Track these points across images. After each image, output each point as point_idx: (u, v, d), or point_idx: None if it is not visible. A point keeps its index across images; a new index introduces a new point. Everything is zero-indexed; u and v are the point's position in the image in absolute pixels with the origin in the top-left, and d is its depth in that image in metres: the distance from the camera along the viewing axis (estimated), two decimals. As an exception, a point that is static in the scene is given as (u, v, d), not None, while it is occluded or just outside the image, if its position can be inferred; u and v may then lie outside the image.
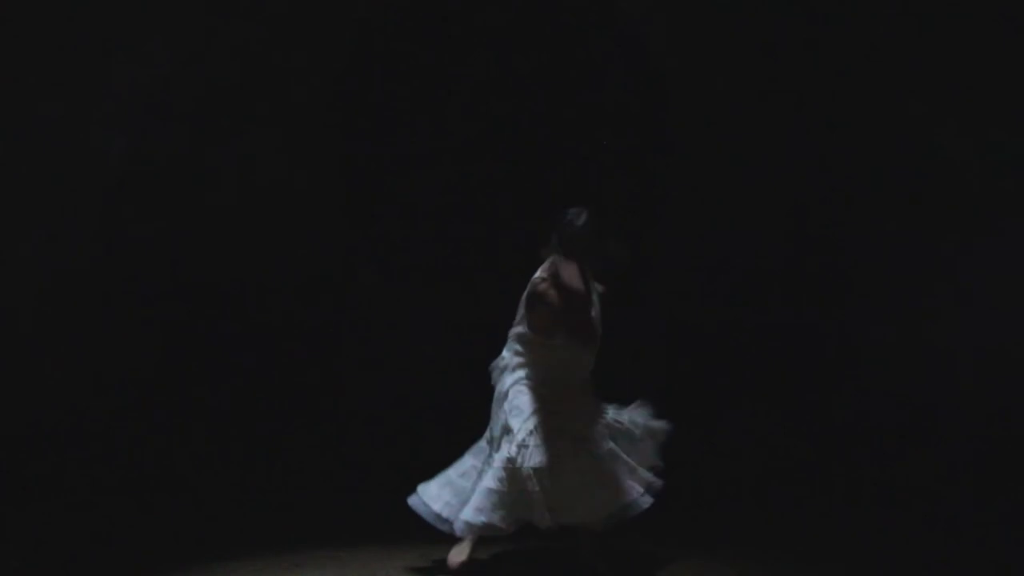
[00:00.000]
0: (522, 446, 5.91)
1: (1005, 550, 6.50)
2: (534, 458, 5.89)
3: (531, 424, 5.99)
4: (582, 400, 6.22)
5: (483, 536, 6.12)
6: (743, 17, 9.06)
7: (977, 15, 7.92)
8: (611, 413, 6.29)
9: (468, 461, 6.22)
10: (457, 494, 6.12)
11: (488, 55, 9.56)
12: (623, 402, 6.37)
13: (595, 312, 6.23)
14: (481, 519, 5.93)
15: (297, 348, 9.26)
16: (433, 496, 6.16)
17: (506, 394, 6.13)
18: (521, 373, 6.16)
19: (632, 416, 6.34)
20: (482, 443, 6.23)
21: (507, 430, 6.01)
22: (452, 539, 6.29)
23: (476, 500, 5.97)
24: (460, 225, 9.44)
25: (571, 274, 6.09)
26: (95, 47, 8.19)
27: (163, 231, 8.95)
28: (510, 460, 5.90)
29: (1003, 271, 8.07)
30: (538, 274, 6.17)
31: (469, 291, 9.17)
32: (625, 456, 6.14)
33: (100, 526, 7.04)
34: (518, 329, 6.22)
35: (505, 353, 6.26)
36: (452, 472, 6.21)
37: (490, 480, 5.95)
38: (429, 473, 6.24)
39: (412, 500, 6.20)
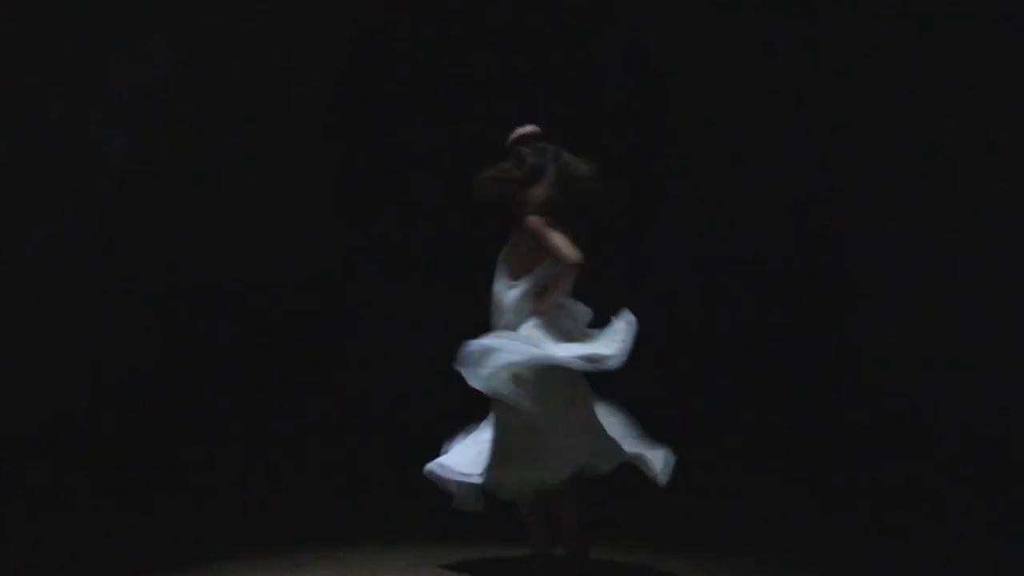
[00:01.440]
0: None
1: (1005, 550, 6.49)
2: None
3: None
4: None
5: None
6: (743, 17, 9.06)
7: (977, 15, 7.92)
8: None
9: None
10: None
11: (488, 55, 9.56)
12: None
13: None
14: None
15: (297, 348, 9.26)
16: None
17: None
18: None
19: None
20: None
21: None
22: (452, 539, 6.30)
23: None
24: (460, 225, 9.44)
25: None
26: (95, 47, 8.19)
27: (163, 231, 8.95)
28: None
29: (1003, 271, 8.07)
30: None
31: (469, 291, 9.16)
32: None
33: (100, 526, 7.03)
34: None
35: None
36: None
37: None
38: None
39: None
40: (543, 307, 5.70)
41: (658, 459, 5.76)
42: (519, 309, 5.73)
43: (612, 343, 5.61)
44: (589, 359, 5.56)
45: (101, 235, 8.61)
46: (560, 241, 5.67)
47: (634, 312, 5.69)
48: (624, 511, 6.77)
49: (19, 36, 7.86)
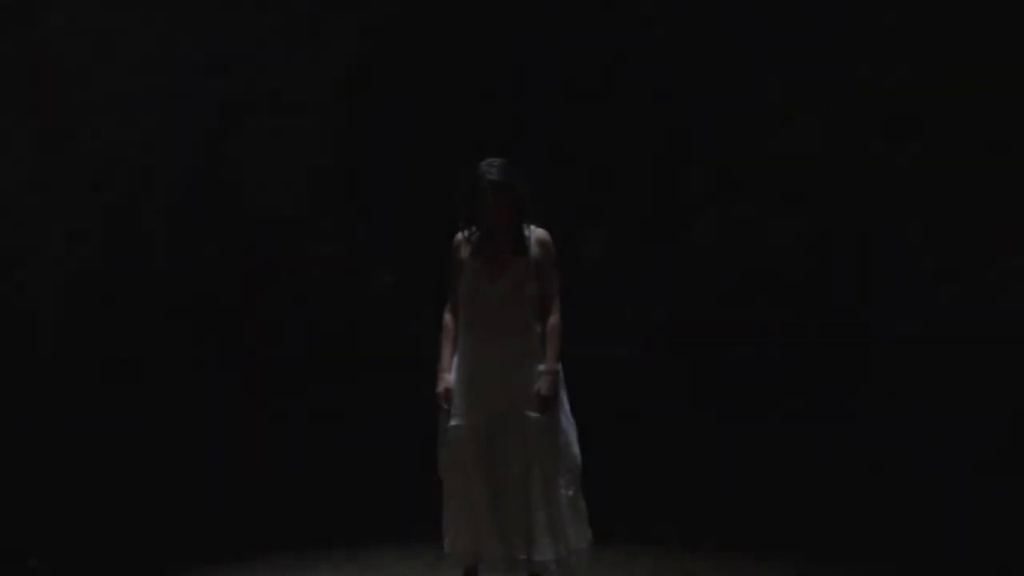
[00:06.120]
0: None
1: (1006, 550, 6.53)
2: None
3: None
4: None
5: None
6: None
7: (977, 14, 7.98)
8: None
9: None
10: None
11: (502, 54, 9.54)
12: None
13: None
14: None
15: (315, 346, 9.33)
16: None
17: None
18: None
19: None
20: None
21: None
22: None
23: None
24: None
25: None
26: (107, 48, 8.25)
27: (171, 230, 9.01)
28: None
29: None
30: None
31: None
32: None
33: (103, 527, 7.07)
34: None
35: None
36: None
37: None
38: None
39: None
40: None
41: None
42: None
43: None
44: None
45: (108, 234, 8.67)
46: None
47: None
48: (625, 510, 6.76)
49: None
